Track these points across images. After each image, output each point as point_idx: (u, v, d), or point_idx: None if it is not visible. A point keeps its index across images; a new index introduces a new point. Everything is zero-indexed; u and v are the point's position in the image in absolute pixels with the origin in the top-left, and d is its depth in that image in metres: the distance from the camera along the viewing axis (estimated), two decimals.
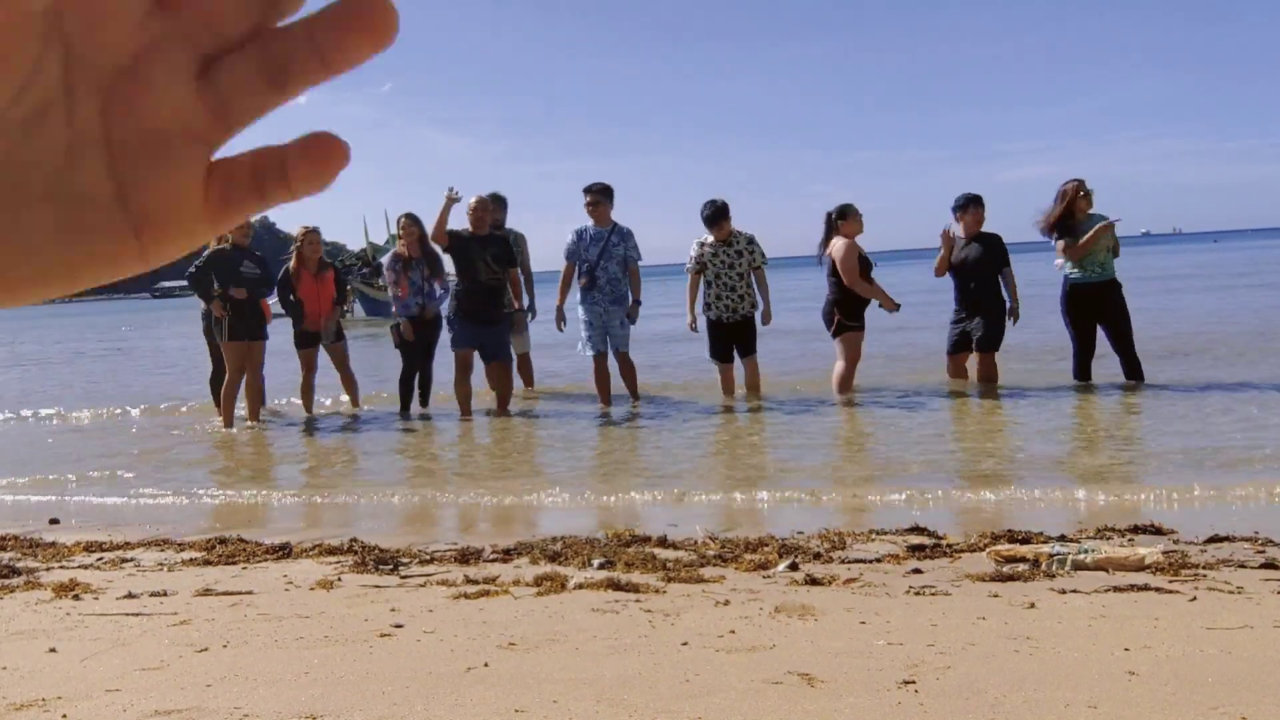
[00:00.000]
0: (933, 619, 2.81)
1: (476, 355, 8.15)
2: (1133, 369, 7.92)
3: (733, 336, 8.32)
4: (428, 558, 3.90)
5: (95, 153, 0.30)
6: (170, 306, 65.12)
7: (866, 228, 8.45)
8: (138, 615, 3.14)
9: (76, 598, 3.43)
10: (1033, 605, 2.93)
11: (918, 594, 3.12)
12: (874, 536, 4.02)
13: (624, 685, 2.32)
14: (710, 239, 8.31)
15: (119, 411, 10.22)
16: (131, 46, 0.29)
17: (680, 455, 6.44)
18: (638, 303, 8.39)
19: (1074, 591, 3.08)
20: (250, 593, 3.41)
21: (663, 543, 3.98)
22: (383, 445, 7.50)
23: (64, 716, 2.25)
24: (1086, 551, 3.48)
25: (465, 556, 3.88)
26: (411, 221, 8.48)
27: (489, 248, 8.15)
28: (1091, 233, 7.79)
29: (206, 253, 8.25)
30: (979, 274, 8.21)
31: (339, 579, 3.58)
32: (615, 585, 3.28)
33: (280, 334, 8.74)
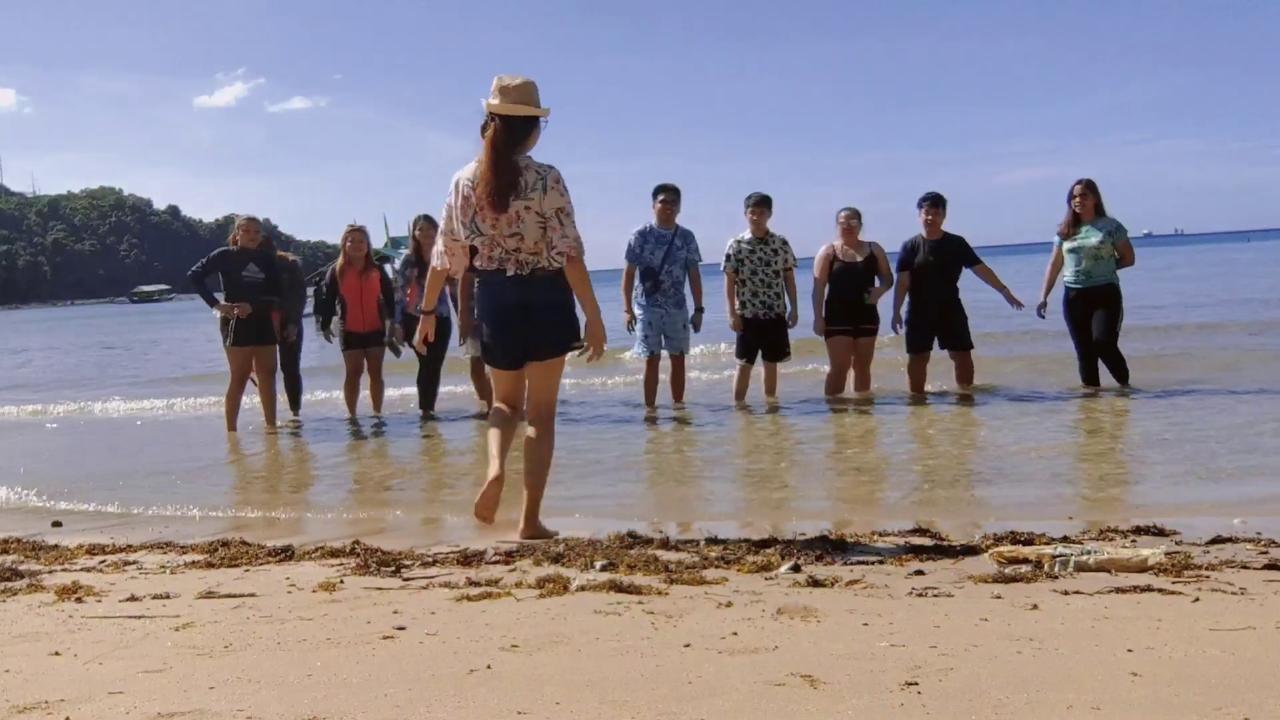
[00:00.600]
0: (935, 620, 2.81)
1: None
2: (1119, 373, 7.90)
3: (764, 335, 8.29)
4: (430, 560, 3.90)
5: None
6: (161, 311, 64.98)
7: (869, 231, 8.48)
8: (140, 618, 3.14)
9: (79, 600, 3.43)
10: (1035, 606, 2.93)
11: (920, 595, 3.12)
12: (876, 538, 4.02)
13: (626, 687, 2.32)
14: (747, 235, 8.29)
15: (122, 414, 10.23)
16: None
17: (684, 456, 6.45)
18: (700, 310, 8.37)
19: (1076, 593, 3.08)
20: (253, 595, 3.42)
21: (665, 545, 3.98)
22: (386, 447, 7.51)
23: (67, 719, 2.25)
24: (1089, 553, 3.48)
25: (467, 558, 3.88)
26: (429, 224, 8.49)
27: None
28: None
29: (212, 253, 8.23)
30: (941, 276, 8.25)
31: (341, 581, 3.58)
32: (617, 587, 3.28)
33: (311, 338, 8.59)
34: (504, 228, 4.04)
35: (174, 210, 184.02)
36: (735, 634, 2.72)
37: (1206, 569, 3.33)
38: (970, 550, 3.74)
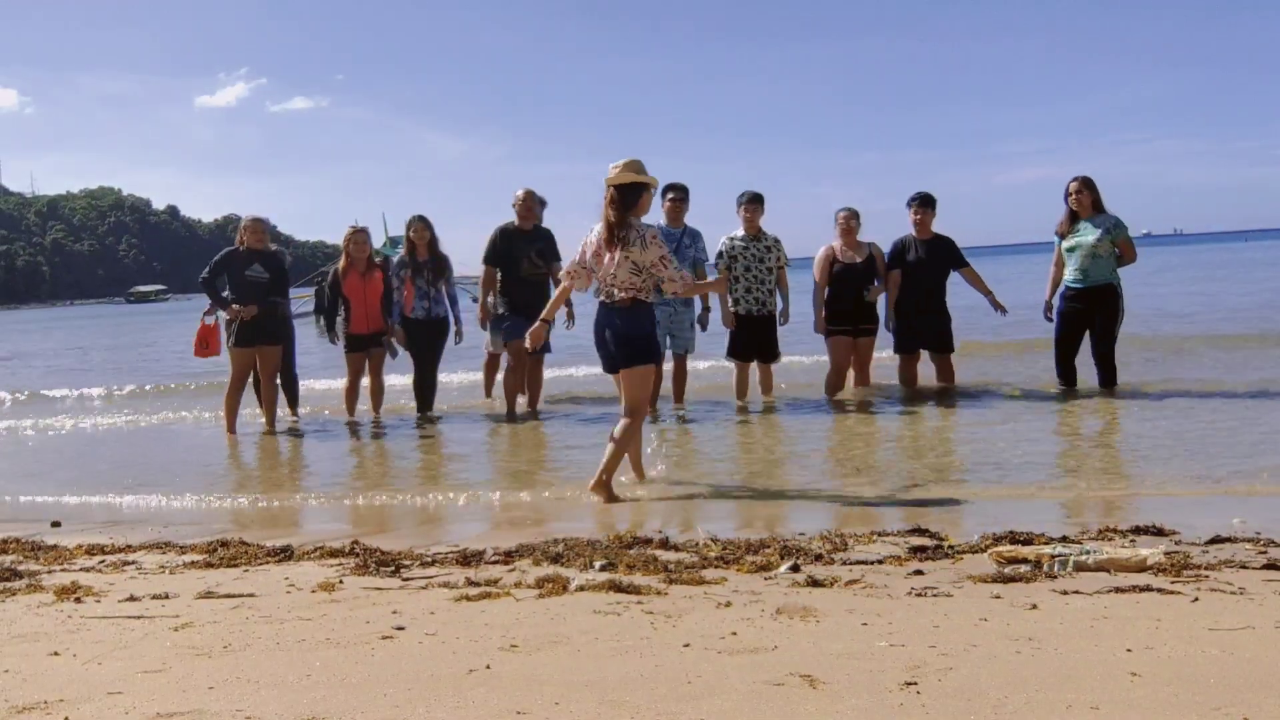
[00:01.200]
0: (934, 620, 2.81)
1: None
2: (1107, 377, 7.88)
3: (756, 334, 8.28)
4: (429, 560, 3.90)
5: None
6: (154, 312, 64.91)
7: (868, 231, 8.49)
8: (139, 618, 3.14)
9: (78, 600, 3.43)
10: (1035, 606, 2.93)
11: (919, 595, 3.12)
12: (876, 538, 4.02)
13: (626, 687, 2.33)
14: (740, 233, 8.29)
15: (126, 415, 10.22)
16: None
17: (686, 456, 6.44)
18: (707, 309, 8.35)
19: (1076, 593, 3.08)
20: (252, 595, 3.42)
21: (664, 545, 3.98)
22: (385, 447, 7.51)
23: (66, 719, 2.25)
24: (1088, 553, 3.48)
25: (467, 559, 3.88)
26: (424, 225, 8.49)
27: (535, 242, 8.16)
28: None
29: (219, 256, 8.22)
30: (929, 277, 8.26)
31: (340, 581, 3.58)
32: (617, 587, 3.28)
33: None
34: (609, 269, 5.21)
35: (173, 210, 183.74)
36: (734, 634, 2.72)
37: (1206, 569, 3.33)
38: (970, 550, 3.74)
